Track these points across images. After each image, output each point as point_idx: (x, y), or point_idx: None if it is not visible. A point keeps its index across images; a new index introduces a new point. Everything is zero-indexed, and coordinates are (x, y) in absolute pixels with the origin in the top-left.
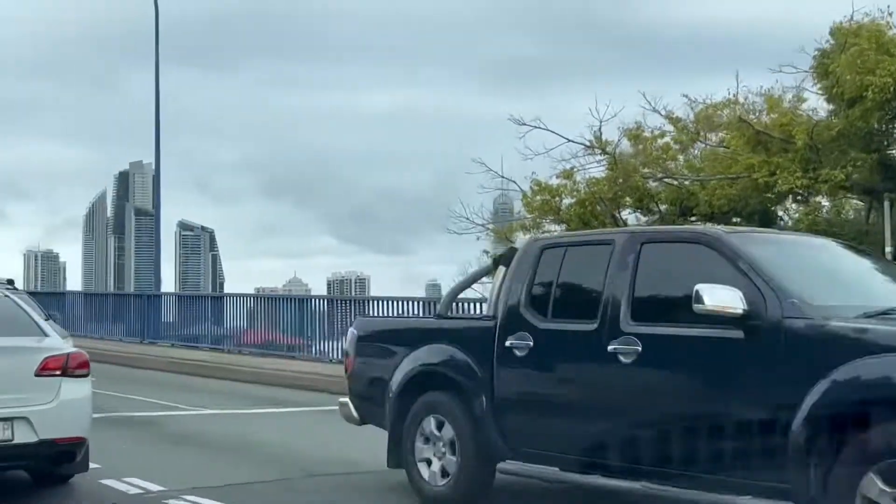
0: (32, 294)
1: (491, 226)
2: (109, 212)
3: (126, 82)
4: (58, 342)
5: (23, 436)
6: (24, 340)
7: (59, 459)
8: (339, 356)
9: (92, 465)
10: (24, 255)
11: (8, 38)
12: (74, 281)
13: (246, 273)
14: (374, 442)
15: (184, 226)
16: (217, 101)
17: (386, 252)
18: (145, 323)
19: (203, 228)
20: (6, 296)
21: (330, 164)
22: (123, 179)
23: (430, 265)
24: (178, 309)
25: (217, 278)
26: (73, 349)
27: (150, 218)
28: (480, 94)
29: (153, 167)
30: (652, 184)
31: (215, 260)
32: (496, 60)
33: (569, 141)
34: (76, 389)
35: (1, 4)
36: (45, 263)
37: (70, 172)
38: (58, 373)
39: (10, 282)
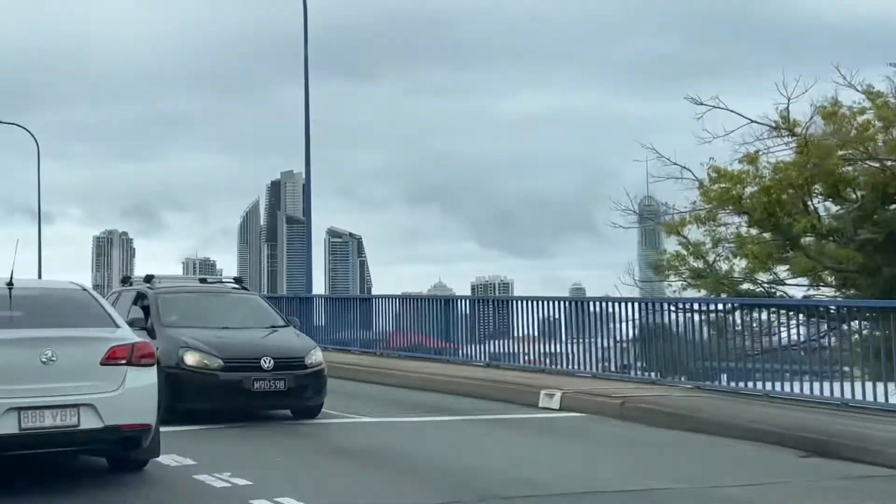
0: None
1: (651, 222)
2: (262, 220)
3: (277, 94)
4: (126, 333)
5: (89, 422)
6: (92, 331)
7: (125, 445)
8: (487, 359)
9: (242, 482)
10: (183, 262)
11: (163, 55)
12: None
13: (392, 278)
14: (549, 457)
15: (333, 233)
16: (360, 109)
17: (528, 256)
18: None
19: (351, 235)
20: (83, 289)
21: (471, 169)
22: (275, 189)
23: (572, 270)
24: (328, 312)
25: (365, 283)
26: (139, 339)
27: (301, 225)
28: (619, 95)
29: (303, 176)
30: (847, 168)
31: (363, 266)
32: (635, 61)
33: (751, 122)
34: (141, 378)
35: (160, 24)
36: (203, 271)
37: (225, 183)
38: (123, 362)
39: (238, 280)
